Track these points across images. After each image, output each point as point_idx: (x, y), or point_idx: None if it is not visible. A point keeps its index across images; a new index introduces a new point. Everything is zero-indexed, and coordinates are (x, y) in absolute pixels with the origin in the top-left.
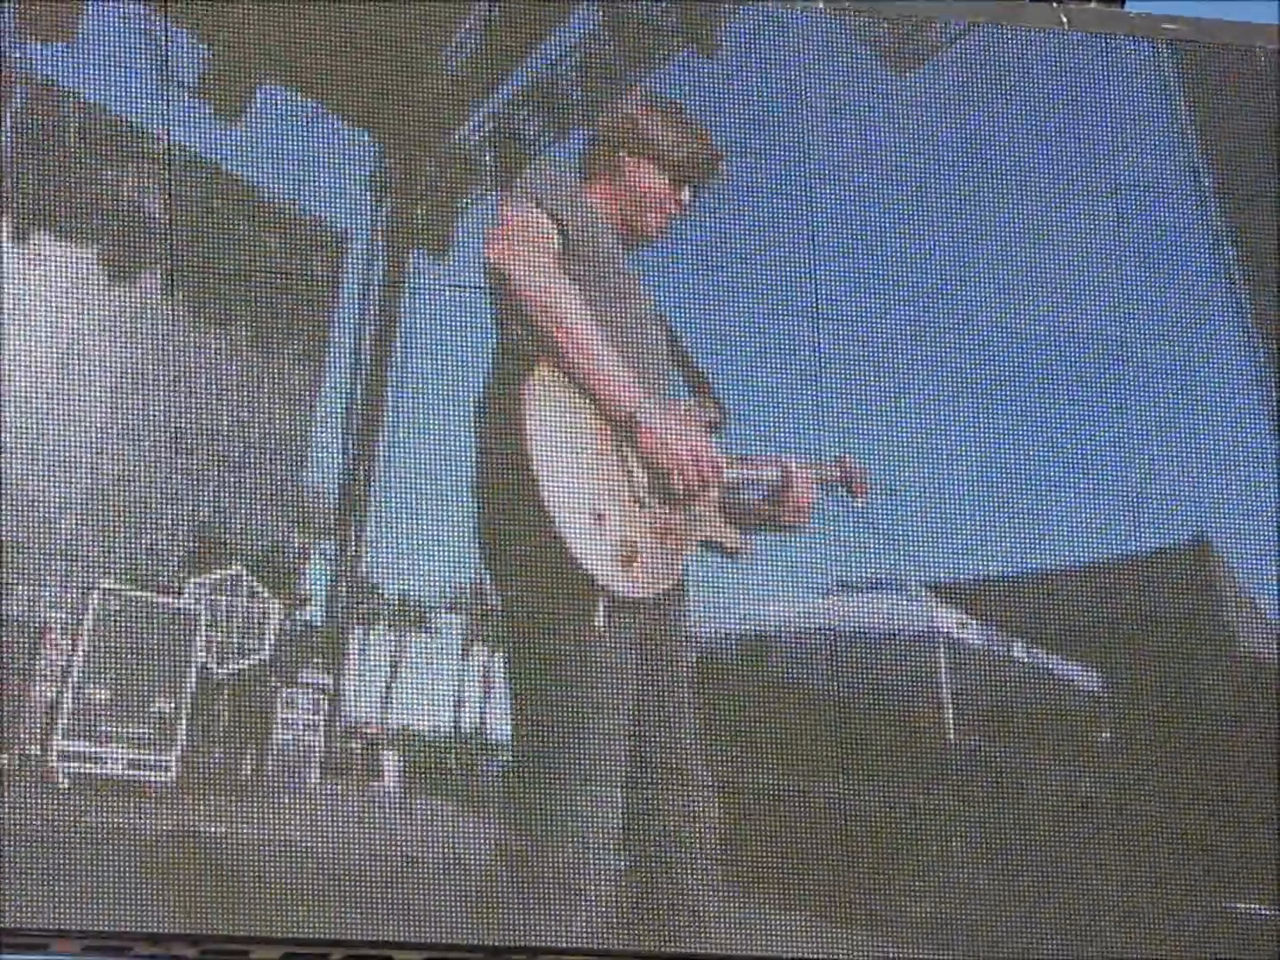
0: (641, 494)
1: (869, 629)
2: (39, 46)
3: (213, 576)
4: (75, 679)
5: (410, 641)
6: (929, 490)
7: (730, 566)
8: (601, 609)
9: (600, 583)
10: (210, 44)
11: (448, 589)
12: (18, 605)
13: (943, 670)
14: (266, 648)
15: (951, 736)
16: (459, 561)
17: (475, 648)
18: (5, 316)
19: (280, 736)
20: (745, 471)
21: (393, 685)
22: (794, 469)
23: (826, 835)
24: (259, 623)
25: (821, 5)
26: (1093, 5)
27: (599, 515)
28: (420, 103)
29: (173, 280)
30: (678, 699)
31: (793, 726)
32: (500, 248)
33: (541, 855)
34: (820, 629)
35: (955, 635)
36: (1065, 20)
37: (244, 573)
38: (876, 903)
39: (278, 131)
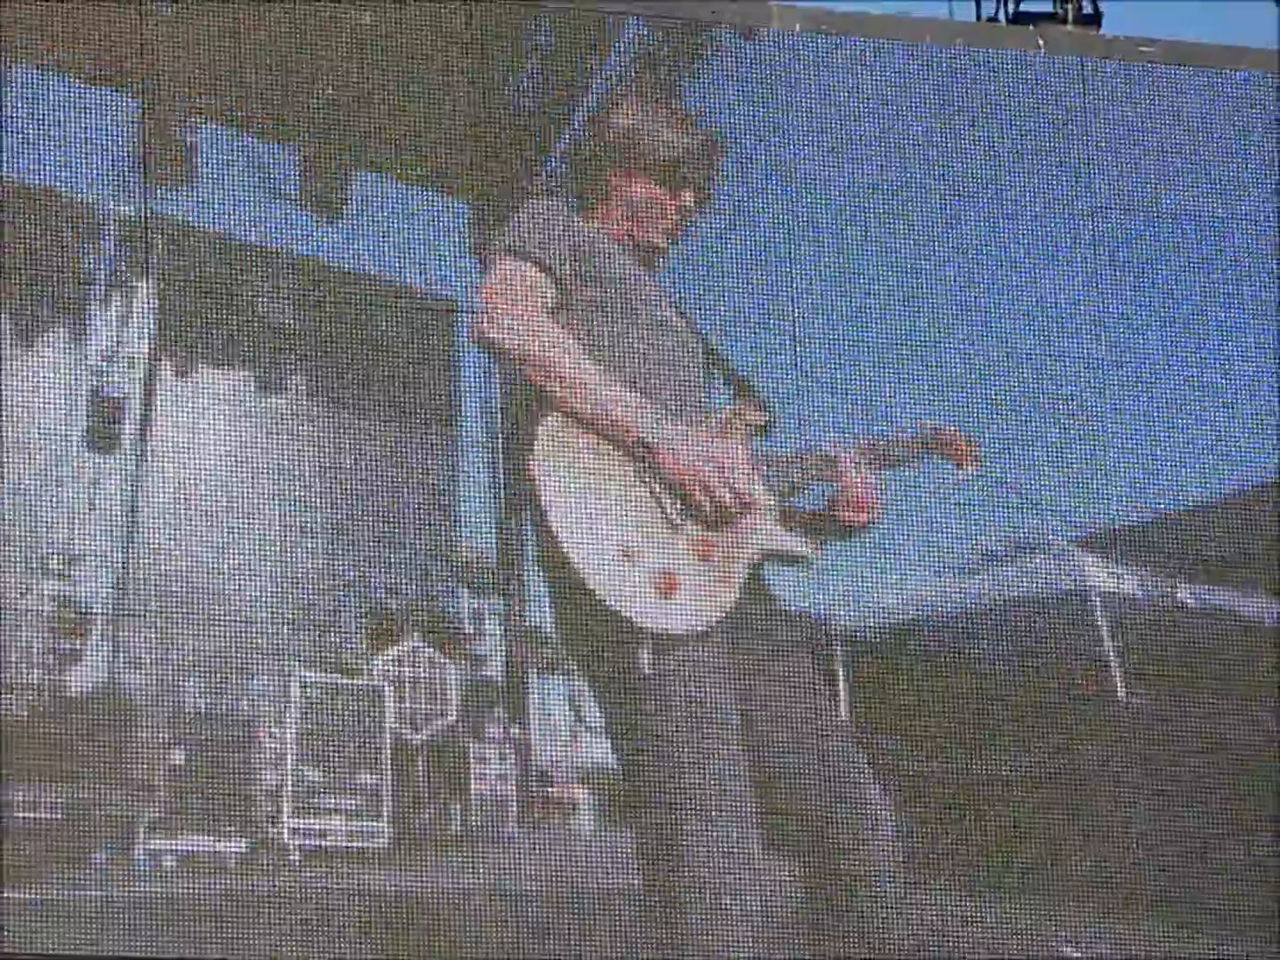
0: (674, 518)
1: (1019, 596)
2: (164, 191)
3: (393, 651)
4: (290, 762)
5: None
6: (1052, 444)
7: (861, 552)
8: (646, 651)
9: (638, 623)
10: (302, 153)
11: None
12: (231, 701)
13: (1103, 627)
14: (453, 709)
15: (1123, 696)
16: None
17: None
18: (184, 445)
19: (477, 789)
20: (788, 472)
21: (577, 727)
22: (843, 461)
23: (1001, 817)
24: (441, 687)
25: (798, 27)
26: (1069, 28)
27: (627, 553)
28: (501, 160)
29: (315, 379)
30: (806, 709)
31: (952, 709)
32: (483, 322)
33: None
34: (968, 604)
35: (1111, 589)
36: (1041, 43)
37: (421, 642)
38: (1057, 880)
39: (376, 217)
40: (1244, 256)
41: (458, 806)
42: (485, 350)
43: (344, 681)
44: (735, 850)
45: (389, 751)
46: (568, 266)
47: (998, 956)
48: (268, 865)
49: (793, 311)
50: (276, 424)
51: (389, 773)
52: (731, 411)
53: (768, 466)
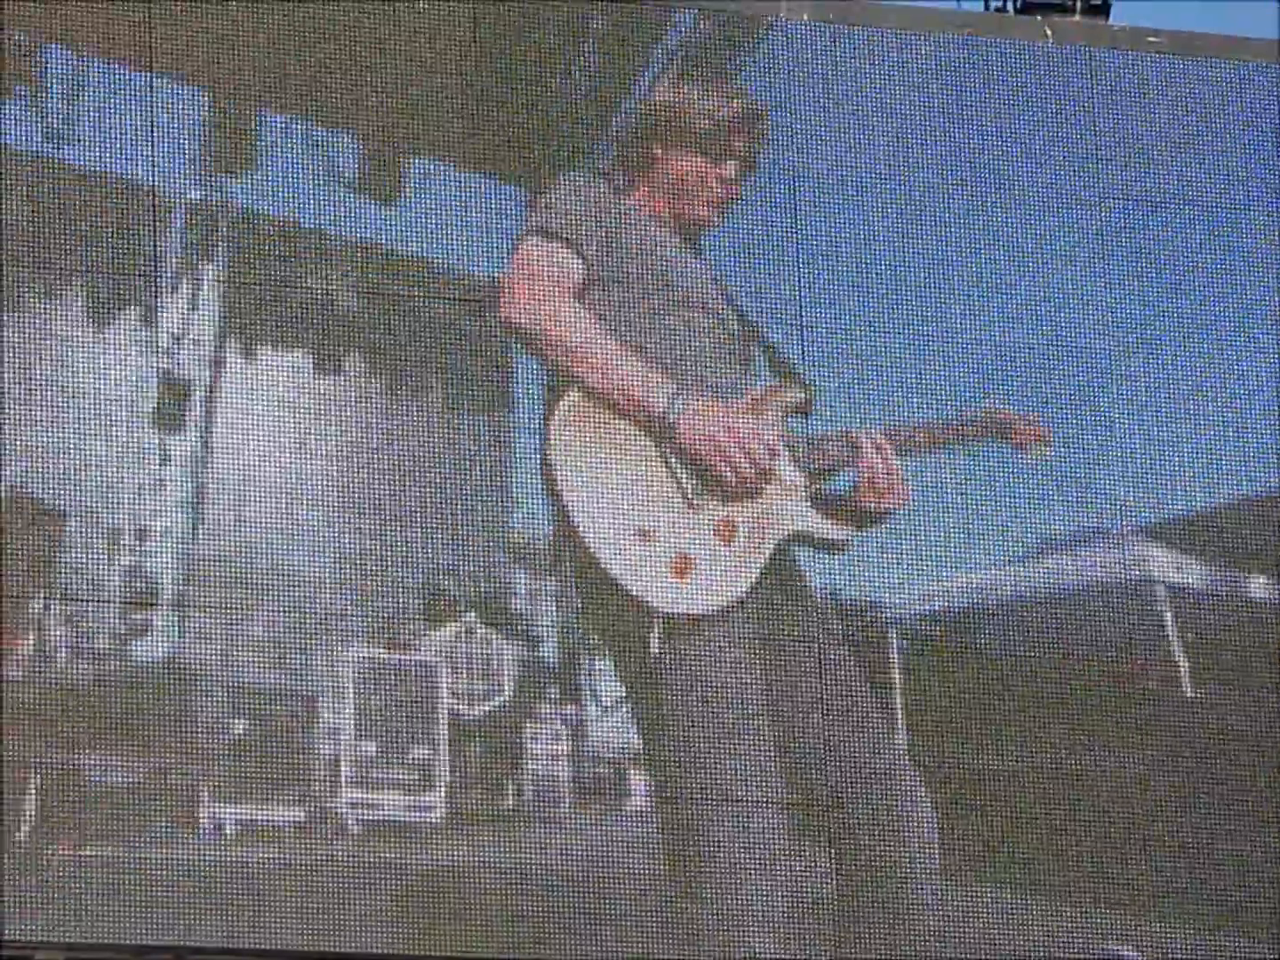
0: (693, 496)
1: (1080, 586)
2: (229, 178)
3: (449, 629)
4: (347, 736)
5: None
6: (1115, 432)
7: (916, 538)
8: (655, 633)
9: (651, 604)
10: (363, 139)
11: None
12: (291, 674)
13: (1169, 619)
14: (508, 688)
15: (1189, 692)
16: None
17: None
18: (248, 425)
19: (531, 768)
20: (818, 453)
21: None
22: (864, 445)
23: (1058, 813)
24: (496, 666)
25: (806, 17)
26: (1077, 19)
27: (643, 533)
28: (554, 147)
29: (372, 362)
30: (842, 697)
31: (1008, 700)
32: (507, 304)
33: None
34: (1028, 593)
35: (1177, 581)
36: (1049, 33)
37: (476, 622)
38: (1117, 882)
39: (433, 202)
40: None
41: (511, 784)
42: (506, 330)
43: (400, 658)
44: (759, 835)
45: (444, 727)
46: (596, 243)
47: (1052, 956)
48: (326, 835)
49: (834, 292)
50: (336, 405)
51: (443, 748)
52: (767, 389)
53: (800, 446)
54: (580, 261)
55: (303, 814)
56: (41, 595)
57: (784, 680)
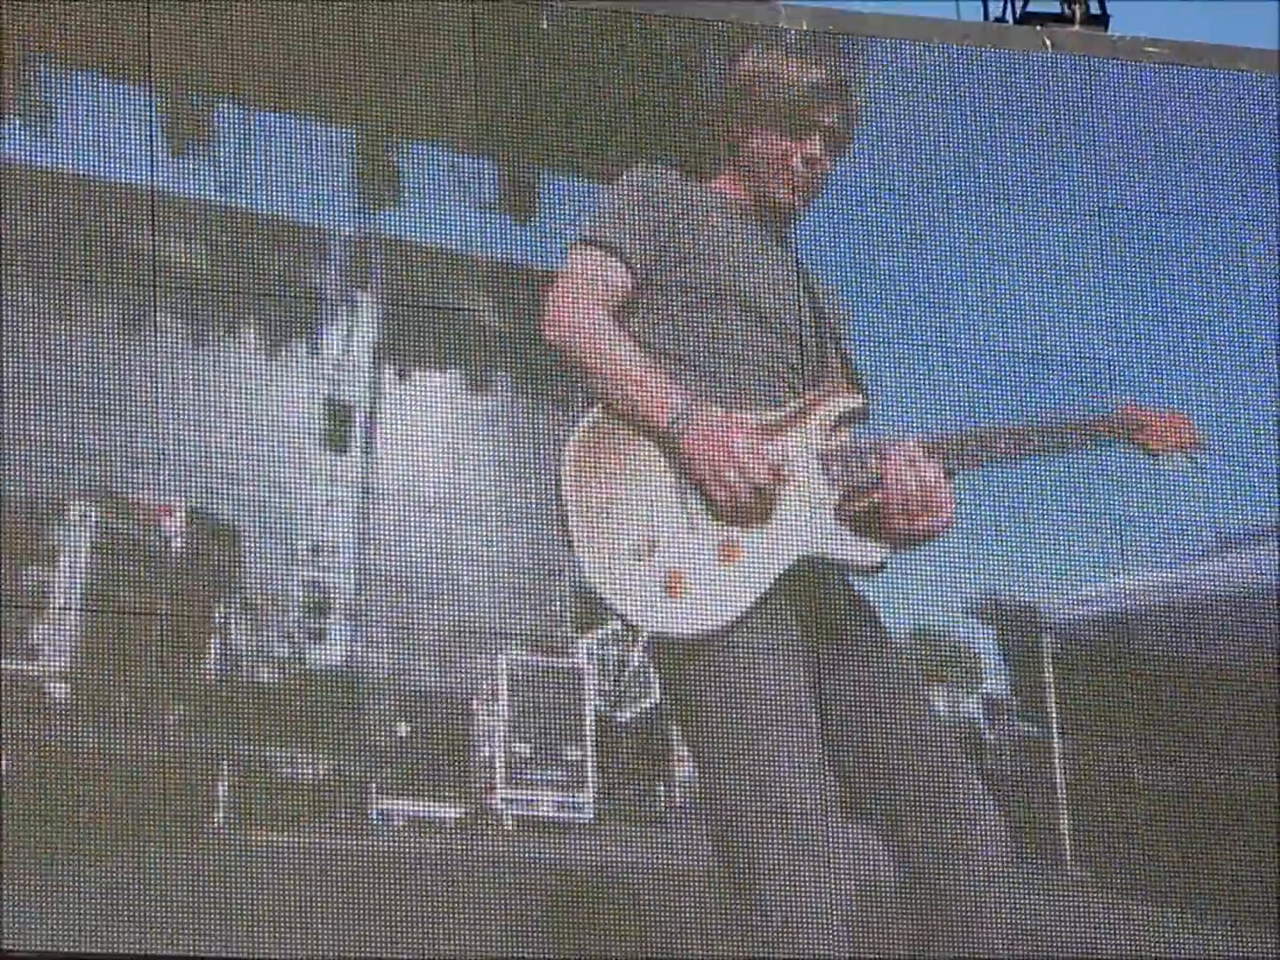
0: (696, 516)
1: (1229, 592)
2: (377, 209)
3: (598, 633)
4: (502, 736)
5: None
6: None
7: (1067, 543)
8: (638, 650)
9: (636, 624)
10: (500, 162)
11: None
12: (450, 678)
13: None
14: (656, 691)
15: None
16: None
17: None
18: (406, 443)
19: (680, 772)
20: (860, 467)
21: None
22: (894, 460)
23: (1194, 829)
24: (644, 670)
25: (805, 26)
26: (1076, 29)
27: (638, 551)
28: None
29: (519, 377)
30: (905, 709)
31: (1157, 708)
32: (548, 325)
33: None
34: (1180, 598)
35: None
36: (1048, 43)
37: (621, 627)
38: (1249, 897)
39: (564, 216)
40: None
41: (661, 787)
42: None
43: (552, 661)
44: (810, 842)
45: (594, 730)
46: (652, 246)
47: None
48: (484, 831)
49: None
50: (487, 421)
51: (593, 750)
52: (813, 398)
53: (837, 461)
54: (626, 271)
55: (462, 810)
56: (221, 605)
57: (839, 693)
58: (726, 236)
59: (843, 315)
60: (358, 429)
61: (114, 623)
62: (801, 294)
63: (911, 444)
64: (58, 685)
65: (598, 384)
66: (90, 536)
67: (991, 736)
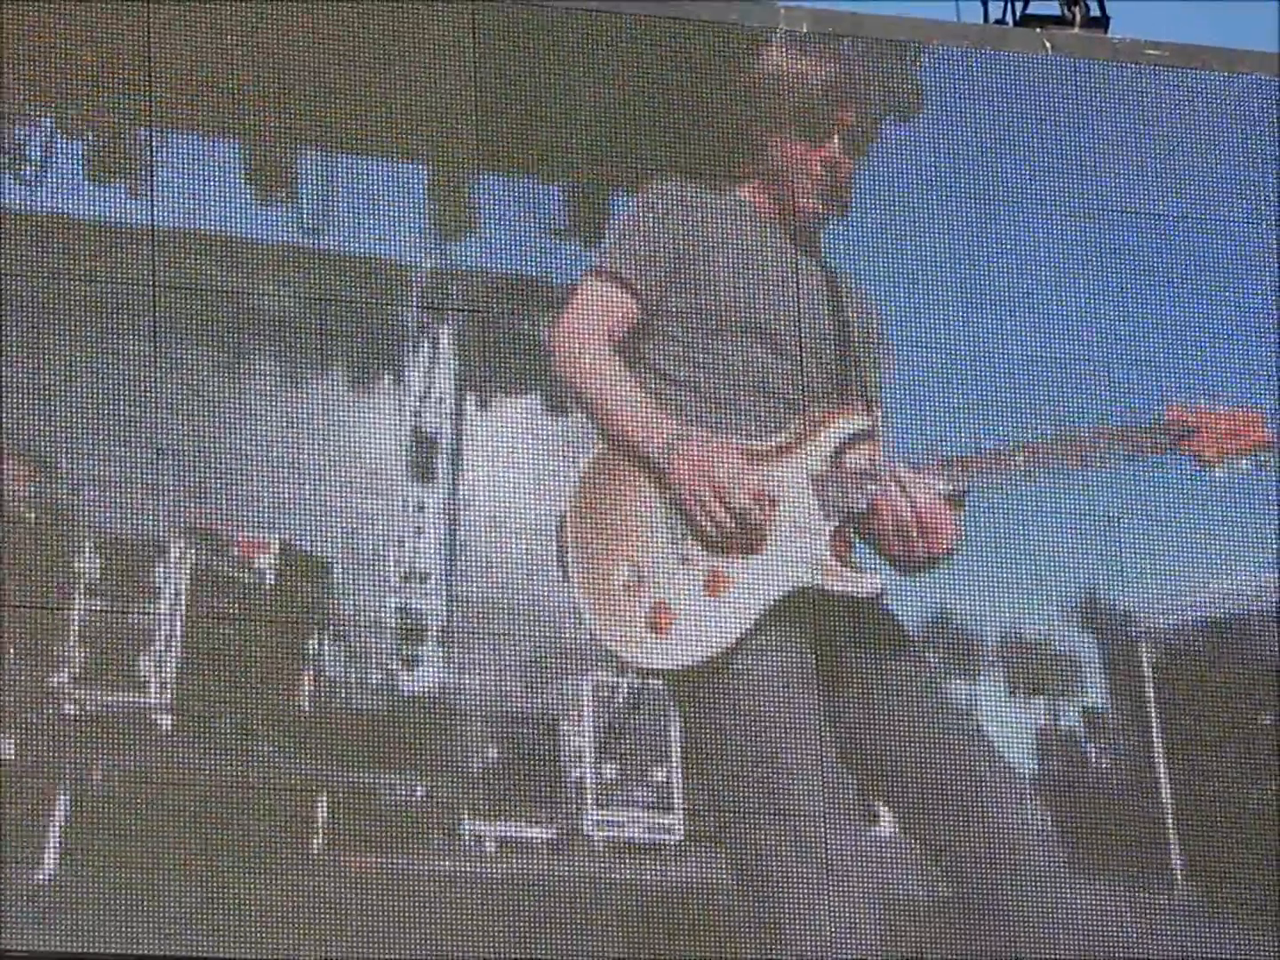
0: (685, 550)
1: None
2: (453, 242)
3: None
4: (590, 758)
5: None
6: None
7: (1167, 550)
8: (624, 685)
9: (624, 659)
10: (566, 187)
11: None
12: (536, 702)
13: None
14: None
15: None
16: None
17: None
18: (490, 469)
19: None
20: (856, 492)
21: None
22: (888, 487)
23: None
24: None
25: (805, 27)
26: (1076, 31)
27: (628, 586)
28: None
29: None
30: (935, 713)
31: (1255, 715)
32: (558, 360)
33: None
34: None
35: None
36: (1048, 46)
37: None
38: None
39: None
40: None
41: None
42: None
43: (636, 682)
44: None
45: (679, 750)
46: (662, 270)
47: None
48: (576, 852)
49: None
50: (566, 444)
51: (679, 770)
52: (813, 422)
53: (833, 488)
54: (633, 299)
55: (553, 832)
56: (315, 634)
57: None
58: (744, 252)
59: (873, 326)
60: (443, 457)
61: (212, 656)
62: (825, 305)
63: (902, 468)
64: (164, 717)
65: (598, 416)
66: (189, 574)
67: (1092, 747)
